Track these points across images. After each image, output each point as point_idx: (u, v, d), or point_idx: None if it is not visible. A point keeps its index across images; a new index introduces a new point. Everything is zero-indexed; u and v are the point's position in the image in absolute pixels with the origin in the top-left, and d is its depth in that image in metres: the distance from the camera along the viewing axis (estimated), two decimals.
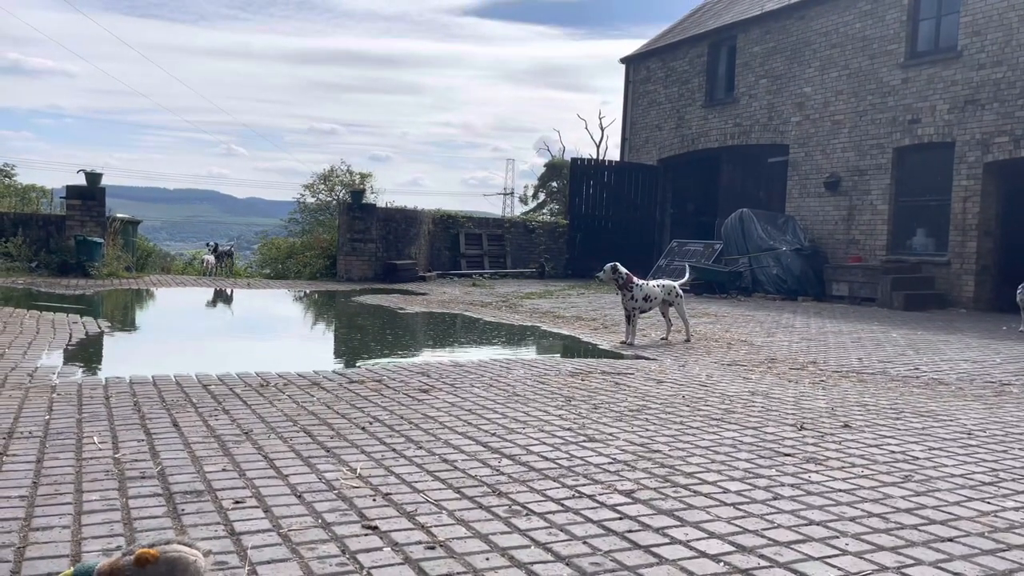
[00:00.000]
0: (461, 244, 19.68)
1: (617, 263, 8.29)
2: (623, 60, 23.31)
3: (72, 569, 2.09)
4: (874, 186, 15.90)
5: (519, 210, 46.95)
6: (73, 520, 2.60)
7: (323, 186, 30.35)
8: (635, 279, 8.15)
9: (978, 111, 14.11)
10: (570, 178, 22.20)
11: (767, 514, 2.92)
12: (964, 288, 14.19)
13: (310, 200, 30.37)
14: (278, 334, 9.46)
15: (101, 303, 10.57)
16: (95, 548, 2.37)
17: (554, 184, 40.99)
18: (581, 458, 3.61)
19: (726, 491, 3.18)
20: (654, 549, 2.54)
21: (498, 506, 2.90)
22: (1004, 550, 2.65)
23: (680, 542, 2.61)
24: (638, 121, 22.75)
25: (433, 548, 2.49)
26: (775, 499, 3.10)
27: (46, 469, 3.13)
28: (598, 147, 40.98)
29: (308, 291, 14.25)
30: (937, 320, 11.83)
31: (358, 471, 3.27)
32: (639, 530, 2.71)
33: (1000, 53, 13.82)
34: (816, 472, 3.52)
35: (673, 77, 21.42)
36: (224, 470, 3.21)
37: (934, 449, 4.04)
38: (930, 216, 15.15)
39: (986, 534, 2.80)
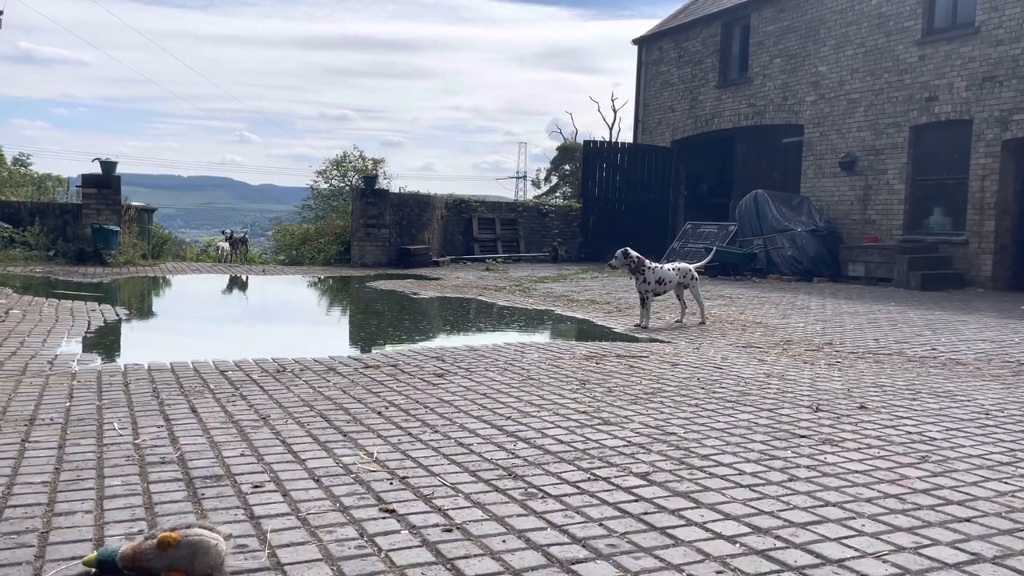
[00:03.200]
0: (474, 229, 19.66)
1: (628, 248, 8.28)
2: (635, 41, 23.13)
3: (95, 553, 2.12)
4: (890, 165, 15.74)
5: (532, 194, 46.81)
6: (95, 505, 2.63)
7: (336, 172, 30.36)
8: (647, 262, 8.14)
9: (996, 88, 13.91)
10: (583, 161, 22.09)
11: (783, 495, 2.92)
12: (982, 267, 14.06)
13: (323, 186, 30.40)
14: (294, 320, 9.51)
15: (118, 291, 10.66)
16: (118, 532, 2.41)
17: (567, 167, 40.81)
18: (596, 441, 3.62)
19: (742, 473, 3.19)
20: (670, 531, 2.55)
21: (514, 489, 2.92)
22: (1022, 530, 2.65)
23: (696, 524, 2.62)
24: (651, 103, 22.60)
25: (450, 531, 2.51)
26: (791, 480, 3.10)
27: (68, 455, 3.17)
28: (611, 129, 40.75)
29: (322, 277, 14.31)
30: (955, 300, 11.74)
31: (375, 455, 3.29)
32: (655, 512, 2.72)
33: (1019, 29, 13.60)
34: (832, 453, 3.51)
35: (686, 58, 21.23)
36: (243, 455, 3.24)
37: (951, 430, 4.02)
38: (947, 195, 14.99)
39: (1004, 514, 2.79)
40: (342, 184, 29.32)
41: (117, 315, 7.94)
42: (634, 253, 8.16)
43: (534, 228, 20.74)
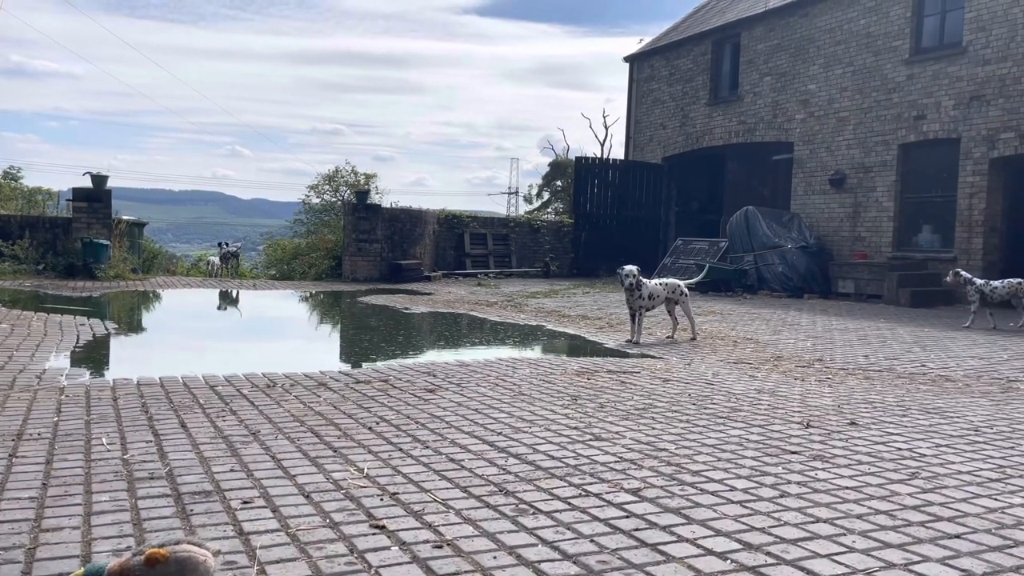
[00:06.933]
0: (466, 244, 19.68)
1: (636, 267, 8.26)
2: (627, 59, 23.29)
3: (83, 569, 2.10)
4: (879, 183, 15.86)
5: (524, 209, 46.97)
6: (83, 521, 2.61)
7: (328, 187, 30.41)
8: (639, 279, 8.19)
9: (984, 107, 14.06)
10: (575, 177, 22.18)
11: (774, 512, 2.92)
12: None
13: (315, 201, 30.43)
14: (284, 335, 9.48)
15: (108, 305, 10.61)
16: (105, 548, 2.39)
17: (559, 183, 40.98)
18: (588, 457, 3.61)
19: (733, 489, 3.18)
20: (661, 547, 2.55)
21: (505, 505, 2.91)
22: (1011, 546, 2.65)
23: (687, 540, 2.62)
24: (642, 119, 22.73)
25: (441, 547, 2.50)
26: (782, 497, 3.11)
27: (55, 470, 3.15)
28: (602, 146, 40.94)
29: (314, 292, 14.27)
30: (944, 317, 11.80)
31: (365, 471, 3.28)
32: (646, 528, 2.71)
33: (1005, 48, 13.77)
34: (823, 470, 3.52)
35: (677, 75, 21.39)
36: (232, 470, 3.22)
37: (941, 446, 4.04)
38: (936, 212, 15.10)
39: (993, 530, 2.80)
40: (334, 199, 29.34)
41: (106, 329, 7.90)
42: (630, 267, 8.23)
43: (526, 243, 20.77)
